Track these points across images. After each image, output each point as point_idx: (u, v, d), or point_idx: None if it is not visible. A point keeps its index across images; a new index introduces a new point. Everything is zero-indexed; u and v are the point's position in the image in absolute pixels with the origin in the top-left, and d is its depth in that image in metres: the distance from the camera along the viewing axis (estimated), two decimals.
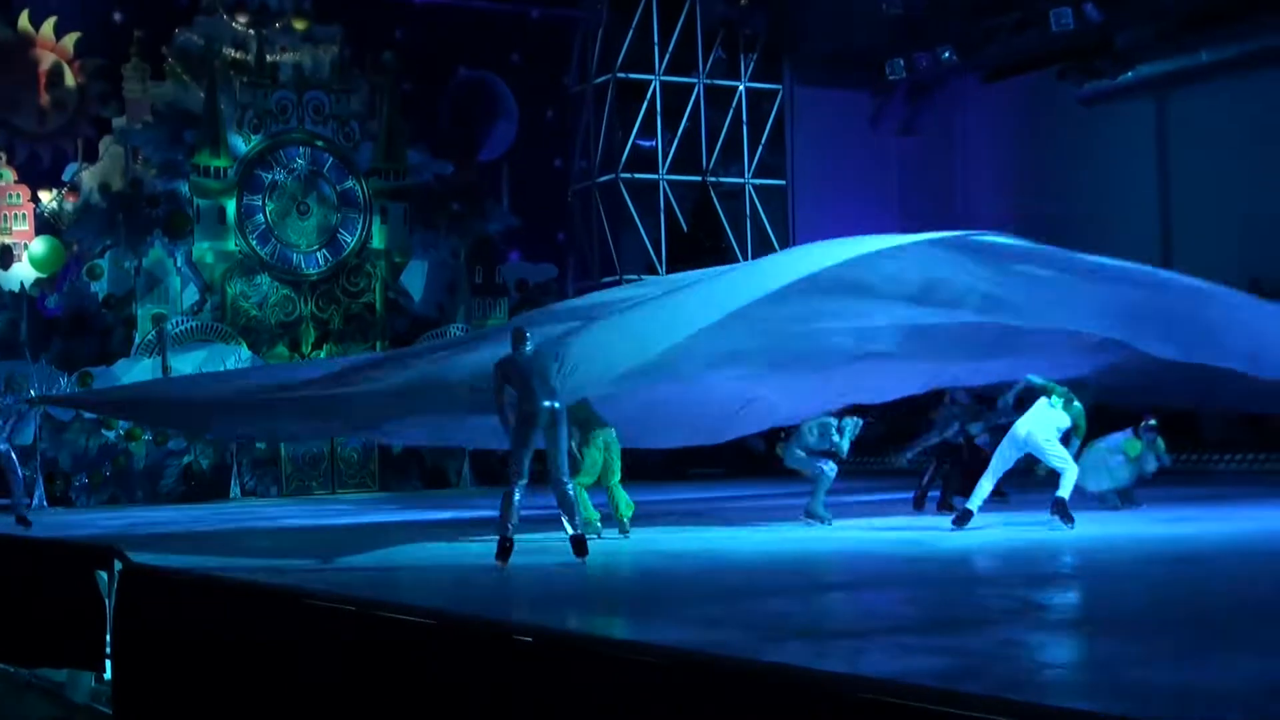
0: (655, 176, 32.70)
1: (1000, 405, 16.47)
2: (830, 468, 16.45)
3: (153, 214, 27.07)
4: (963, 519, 15.07)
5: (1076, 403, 15.03)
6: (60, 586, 12.17)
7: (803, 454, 16.52)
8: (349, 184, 28.82)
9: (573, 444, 14.73)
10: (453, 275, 29.59)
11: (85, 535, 16.66)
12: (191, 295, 27.28)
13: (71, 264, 27.37)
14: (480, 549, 14.29)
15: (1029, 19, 29.53)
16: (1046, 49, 30.33)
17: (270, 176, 28.17)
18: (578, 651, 7.50)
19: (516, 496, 12.41)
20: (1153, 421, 17.12)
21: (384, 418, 16.86)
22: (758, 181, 33.80)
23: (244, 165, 27.89)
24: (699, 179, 32.78)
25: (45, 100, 29.66)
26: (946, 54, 31.03)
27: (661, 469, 26.50)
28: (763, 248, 33.37)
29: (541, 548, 13.52)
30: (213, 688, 9.85)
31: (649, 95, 32.82)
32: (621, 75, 32.69)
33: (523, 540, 12.91)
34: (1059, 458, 15.01)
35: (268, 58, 28.43)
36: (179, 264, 27.22)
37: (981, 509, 15.09)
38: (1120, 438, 17.08)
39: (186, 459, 26.10)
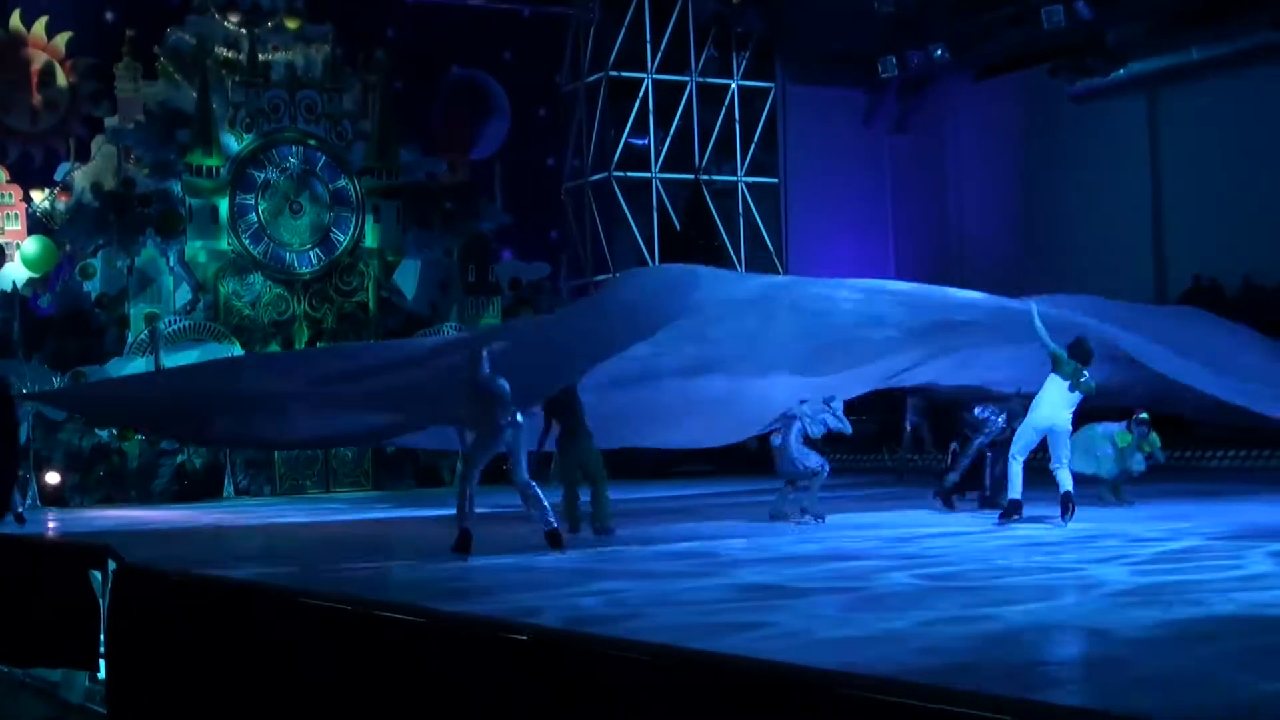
0: (648, 175, 32.70)
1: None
2: (825, 465, 16.49)
3: (145, 213, 27.04)
4: (1011, 512, 15.10)
5: (1086, 374, 15.05)
6: (54, 586, 12.16)
7: (796, 455, 16.45)
8: (341, 183, 28.81)
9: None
10: (446, 274, 29.60)
11: (79, 534, 16.65)
12: (184, 295, 27.27)
13: (64, 263, 27.34)
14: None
15: (1021, 16, 29.53)
16: (1038, 46, 30.34)
17: (263, 175, 28.17)
18: (573, 650, 7.50)
19: (470, 492, 13.55)
20: (1144, 415, 17.10)
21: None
22: (750, 180, 33.81)
23: (236, 164, 27.88)
24: (692, 177, 32.78)
25: (37, 99, 29.60)
26: (939, 52, 31.04)
27: (653, 466, 26.48)
28: (755, 246, 33.41)
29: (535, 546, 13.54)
30: (207, 687, 9.84)
31: (641, 93, 32.82)
32: (614, 73, 32.69)
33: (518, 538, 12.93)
34: (1067, 455, 15.09)
35: (260, 57, 28.42)
36: (171, 263, 27.20)
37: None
38: (1115, 427, 17.08)
39: (180, 458, 26.10)
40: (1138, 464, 17.21)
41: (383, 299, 29.04)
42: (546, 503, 13.67)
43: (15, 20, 29.65)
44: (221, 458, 26.49)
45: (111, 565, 11.30)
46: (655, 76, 32.88)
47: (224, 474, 26.57)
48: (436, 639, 8.32)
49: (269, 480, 27.08)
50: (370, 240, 29.08)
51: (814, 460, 16.39)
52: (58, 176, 28.88)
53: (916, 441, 25.49)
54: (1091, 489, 16.95)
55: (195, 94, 27.58)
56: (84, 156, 28.65)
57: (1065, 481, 14.91)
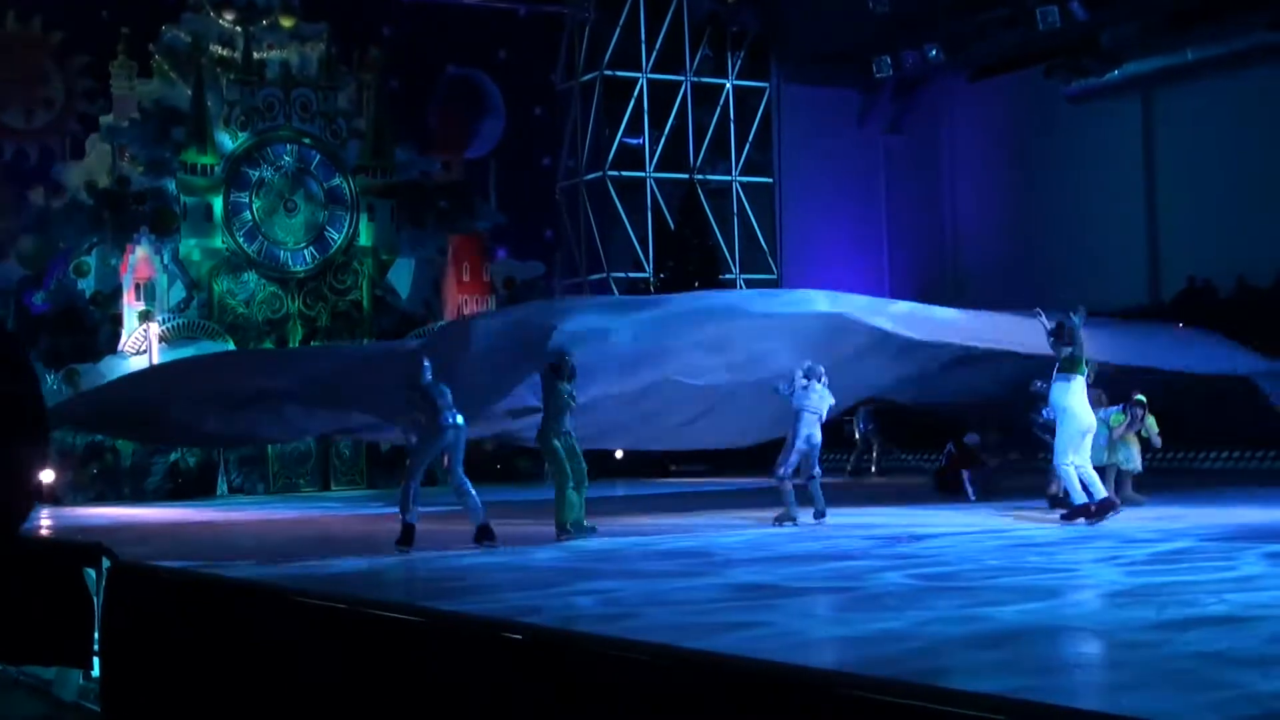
0: (642, 174, 32.71)
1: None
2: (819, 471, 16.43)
3: (139, 211, 27.02)
4: (1104, 509, 15.14)
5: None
6: (48, 584, 12.14)
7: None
8: (336, 181, 28.81)
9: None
10: (440, 273, 29.59)
11: (73, 533, 16.64)
12: (178, 293, 27.25)
13: (59, 261, 27.32)
14: (463, 544, 14.34)
15: (1016, 17, 29.55)
16: (1034, 47, 30.36)
17: (257, 174, 28.17)
18: (569, 649, 7.51)
19: (414, 489, 14.34)
20: (1140, 398, 16.98)
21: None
22: (745, 179, 33.83)
23: (231, 162, 27.87)
24: (686, 177, 32.78)
25: (32, 97, 29.58)
26: (934, 52, 31.04)
27: (650, 465, 26.52)
28: (750, 245, 33.41)
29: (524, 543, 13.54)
30: (201, 686, 9.84)
31: (636, 93, 32.82)
32: (609, 73, 32.70)
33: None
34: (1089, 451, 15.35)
35: (255, 55, 28.41)
36: (166, 261, 27.17)
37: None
38: (1111, 411, 17.05)
39: (173, 456, 26.08)
40: (1131, 461, 17.04)
41: (377, 298, 29.04)
42: (479, 501, 14.48)
43: (10, 18, 29.62)
44: (215, 456, 26.47)
45: (105, 564, 11.30)
46: (650, 76, 32.89)
47: (217, 472, 26.55)
48: (433, 638, 8.32)
49: (262, 478, 27.07)
50: (365, 239, 29.07)
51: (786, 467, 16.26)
52: (52, 174, 28.85)
53: (866, 446, 26.01)
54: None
55: (190, 92, 27.56)
56: (79, 154, 28.63)
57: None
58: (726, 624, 8.69)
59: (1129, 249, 30.75)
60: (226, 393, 17.79)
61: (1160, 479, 18.81)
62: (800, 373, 16.19)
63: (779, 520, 15.96)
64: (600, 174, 32.52)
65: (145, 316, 26.39)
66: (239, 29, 28.58)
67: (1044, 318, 15.52)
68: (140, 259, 26.76)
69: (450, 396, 14.48)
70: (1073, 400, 15.20)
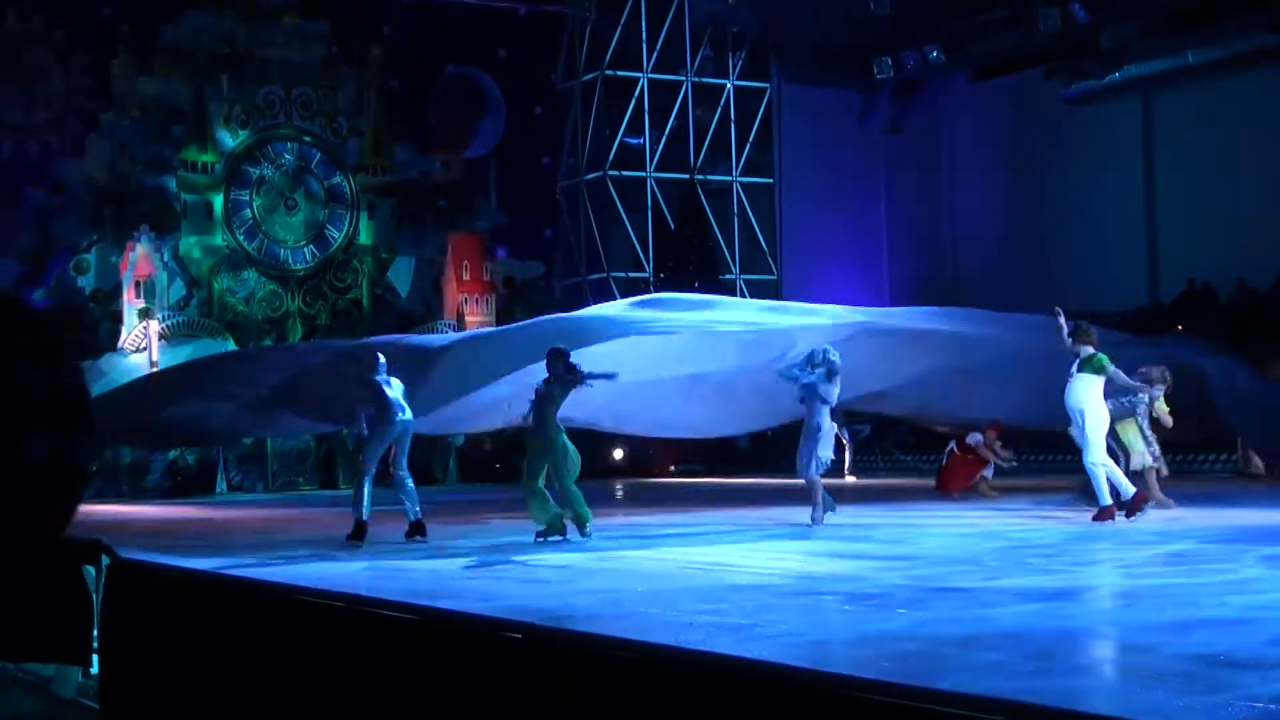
0: (643, 174, 32.69)
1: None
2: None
3: (140, 209, 27.03)
4: (1138, 505, 15.22)
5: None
6: (47, 581, 12.14)
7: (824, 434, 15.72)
8: (336, 180, 28.84)
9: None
10: (440, 272, 29.60)
11: (72, 530, 16.60)
12: (178, 290, 27.26)
13: (59, 258, 27.33)
14: (465, 543, 14.35)
15: (1016, 18, 29.55)
16: (1034, 49, 30.36)
17: (258, 172, 28.20)
18: (567, 649, 7.51)
19: (367, 485, 14.80)
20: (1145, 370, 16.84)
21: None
22: (745, 179, 33.81)
23: (231, 160, 27.90)
24: (686, 177, 32.77)
25: (32, 94, 29.58)
26: (934, 53, 31.05)
27: (650, 465, 26.55)
28: (750, 246, 33.39)
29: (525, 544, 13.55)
30: (200, 683, 9.84)
31: (637, 92, 32.81)
32: (609, 72, 32.69)
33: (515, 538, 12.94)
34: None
35: (255, 53, 28.41)
36: (166, 259, 27.19)
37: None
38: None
39: (173, 454, 26.08)
40: (1142, 458, 16.66)
41: (376, 296, 29.06)
42: (416, 495, 15.04)
43: (11, 15, 29.62)
44: (214, 454, 26.48)
45: (105, 561, 11.29)
46: (651, 76, 32.87)
47: (216, 470, 26.55)
48: (430, 638, 8.32)
49: (261, 477, 27.07)
50: (365, 237, 29.09)
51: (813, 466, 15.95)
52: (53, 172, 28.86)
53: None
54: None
55: (191, 90, 27.56)
56: (79, 152, 28.63)
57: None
58: (725, 624, 8.69)
59: (1129, 251, 30.75)
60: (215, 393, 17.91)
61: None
62: (808, 358, 15.74)
63: (815, 520, 15.77)
64: (600, 174, 32.51)
65: (145, 314, 26.40)
66: (240, 27, 28.58)
67: (1062, 318, 15.51)
68: (140, 256, 26.77)
69: (402, 391, 14.93)
70: (1094, 400, 15.23)
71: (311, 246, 28.58)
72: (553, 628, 8.41)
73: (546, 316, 19.83)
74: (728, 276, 32.45)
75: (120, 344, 26.30)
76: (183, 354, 25.62)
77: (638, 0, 32.90)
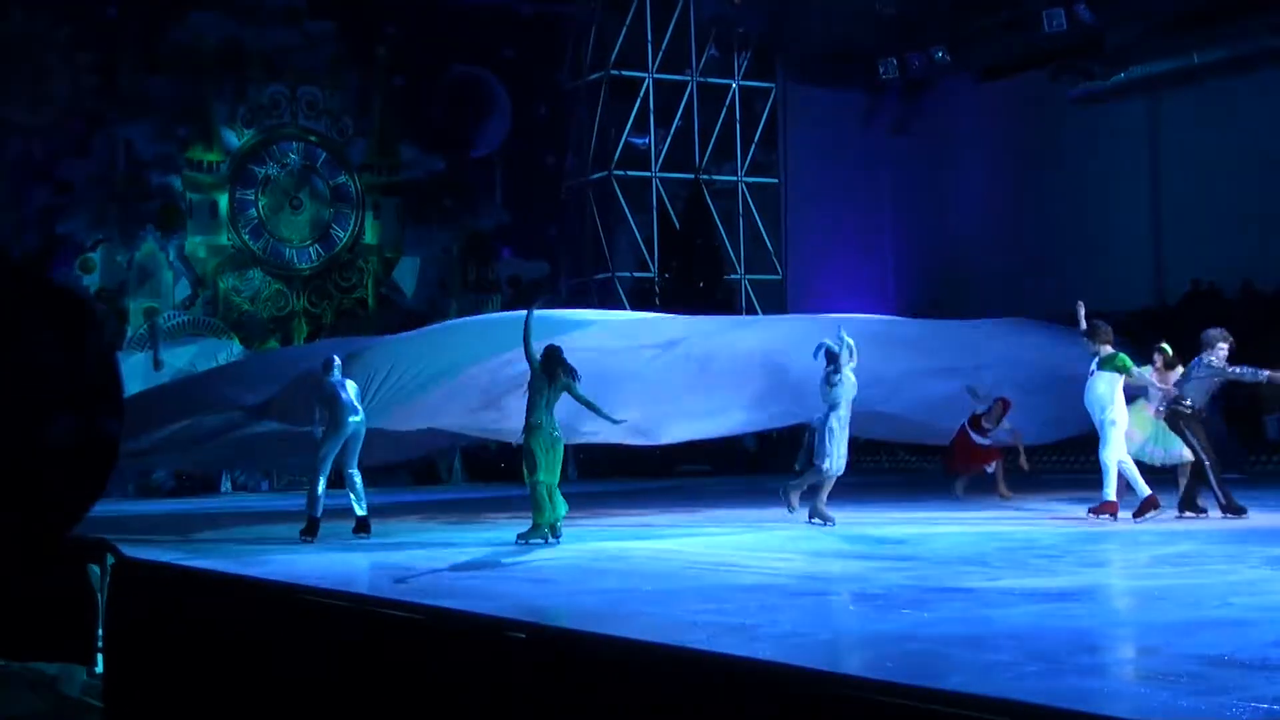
0: (648, 174, 32.68)
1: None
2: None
3: (145, 208, 27.07)
4: (1149, 507, 15.21)
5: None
6: (52, 580, 12.15)
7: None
8: (342, 179, 28.88)
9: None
10: (445, 271, 29.64)
11: (77, 529, 16.61)
12: (184, 289, 27.30)
13: (64, 257, 27.35)
14: (470, 542, 14.36)
15: (1021, 19, 29.53)
16: (1039, 49, 30.33)
17: (263, 171, 28.24)
18: (571, 649, 7.51)
19: (321, 488, 15.35)
20: (1164, 347, 16.50)
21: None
22: (750, 180, 33.80)
23: (237, 160, 27.92)
24: (692, 177, 32.76)
25: (38, 93, 29.58)
26: (939, 54, 31.02)
27: (654, 465, 26.52)
28: (755, 246, 33.39)
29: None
30: (205, 682, 9.85)
31: (642, 92, 32.79)
32: (615, 72, 32.67)
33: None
34: None
35: (261, 53, 28.44)
36: (171, 258, 27.23)
37: None
38: None
39: None
40: (1154, 452, 16.29)
41: (382, 296, 29.09)
42: (364, 494, 15.67)
43: (17, 14, 29.63)
44: None
45: (110, 560, 11.31)
46: (656, 76, 32.85)
47: (221, 470, 26.56)
48: (435, 637, 8.33)
49: (266, 476, 27.09)
50: (370, 237, 29.13)
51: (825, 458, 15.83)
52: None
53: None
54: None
55: (196, 89, 27.59)
56: (84, 151, 28.66)
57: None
58: (729, 624, 8.69)
59: (1134, 252, 30.72)
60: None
61: (1162, 482, 18.69)
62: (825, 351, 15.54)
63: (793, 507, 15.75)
64: (605, 174, 32.50)
65: (150, 313, 26.43)
66: (245, 26, 28.61)
67: (1082, 312, 15.54)
68: (145, 255, 26.82)
69: (355, 393, 15.48)
70: (1115, 397, 15.27)
71: (317, 246, 28.63)
72: (557, 627, 8.42)
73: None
74: (732, 277, 32.45)
75: (125, 343, 26.31)
76: (188, 354, 25.71)
77: (643, 0, 32.87)
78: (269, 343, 27.71)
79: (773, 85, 34.32)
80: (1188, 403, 15.23)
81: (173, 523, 18.13)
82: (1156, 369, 16.16)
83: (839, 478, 15.86)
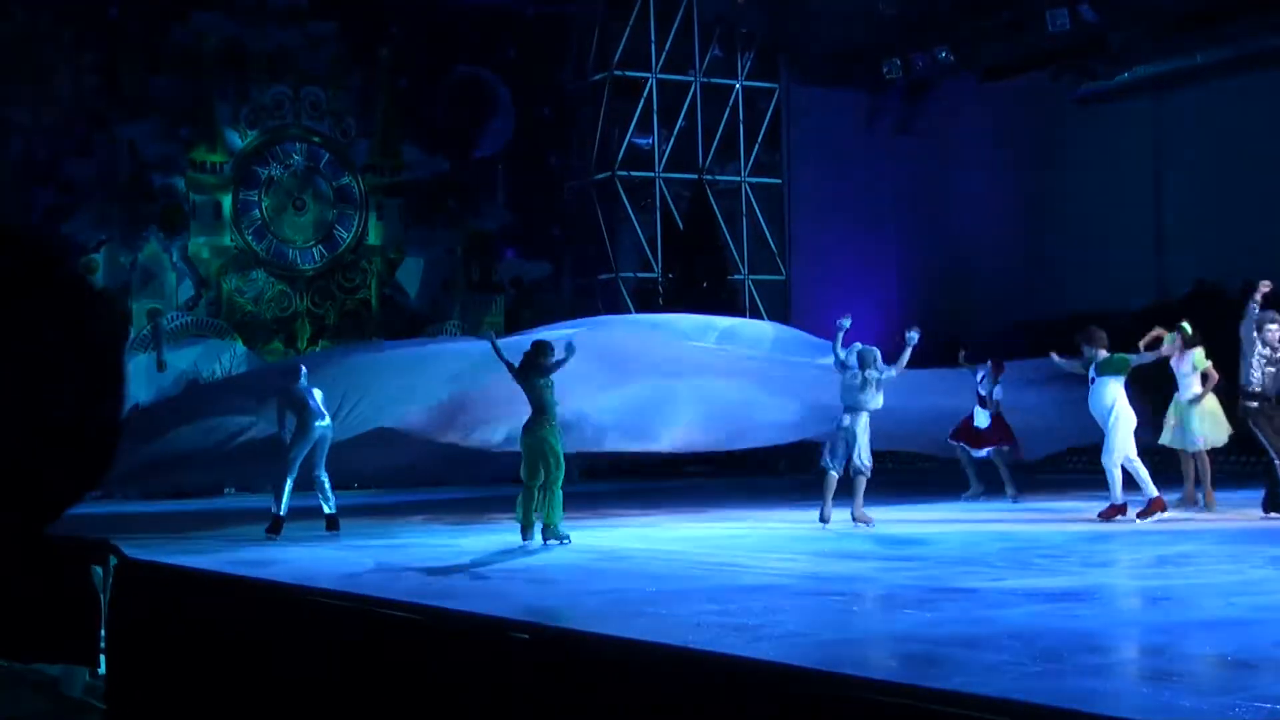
0: (651, 174, 32.67)
1: None
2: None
3: (148, 208, 27.09)
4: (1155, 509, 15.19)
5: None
6: (55, 580, 12.14)
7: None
8: (345, 180, 28.87)
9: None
10: (449, 272, 29.65)
11: (80, 529, 16.63)
12: (187, 290, 27.31)
13: (67, 258, 27.35)
14: (469, 542, 14.37)
15: (1024, 19, 29.50)
16: (1042, 49, 30.30)
17: (266, 172, 28.24)
18: (573, 649, 7.51)
19: (288, 489, 15.98)
20: (1185, 326, 16.57)
21: None
22: (754, 180, 33.79)
23: (240, 161, 27.93)
24: (695, 177, 32.74)
25: (40, 94, 29.59)
26: (943, 54, 30.99)
27: (658, 465, 26.48)
28: (758, 246, 33.38)
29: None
30: (207, 683, 9.85)
31: (646, 93, 32.79)
32: (618, 73, 32.66)
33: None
34: None
35: (264, 53, 28.44)
36: (174, 259, 27.24)
37: None
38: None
39: None
40: (1192, 439, 16.14)
41: (385, 297, 29.09)
42: (331, 494, 16.20)
43: (20, 14, 29.65)
44: None
45: (113, 561, 11.31)
46: (660, 76, 32.84)
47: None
48: (437, 637, 8.32)
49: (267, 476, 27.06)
50: (373, 238, 29.13)
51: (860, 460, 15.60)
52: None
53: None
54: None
55: (199, 89, 27.61)
56: (87, 152, 28.67)
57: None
58: (732, 625, 8.70)
59: (1137, 251, 30.69)
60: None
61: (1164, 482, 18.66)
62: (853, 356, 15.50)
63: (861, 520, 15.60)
64: (609, 174, 32.49)
65: (153, 314, 26.44)
66: (248, 27, 28.61)
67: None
68: (149, 256, 26.85)
69: (322, 399, 16.24)
70: (1120, 401, 15.27)
71: (320, 247, 28.62)
72: (560, 628, 8.42)
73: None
74: (736, 277, 32.44)
75: (127, 345, 26.30)
76: (191, 355, 25.73)
77: (646, 0, 32.86)
78: (272, 344, 27.69)
79: (776, 85, 34.31)
80: (1256, 390, 14.88)
81: (176, 523, 18.13)
82: (1176, 346, 16.12)
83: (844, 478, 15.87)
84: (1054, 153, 32.41)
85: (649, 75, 32.55)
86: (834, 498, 15.62)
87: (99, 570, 11.40)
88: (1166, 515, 15.17)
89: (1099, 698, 6.39)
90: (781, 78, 34.20)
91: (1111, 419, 15.22)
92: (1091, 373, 15.43)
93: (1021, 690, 6.36)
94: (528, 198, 32.25)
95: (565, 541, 14.26)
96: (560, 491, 14.51)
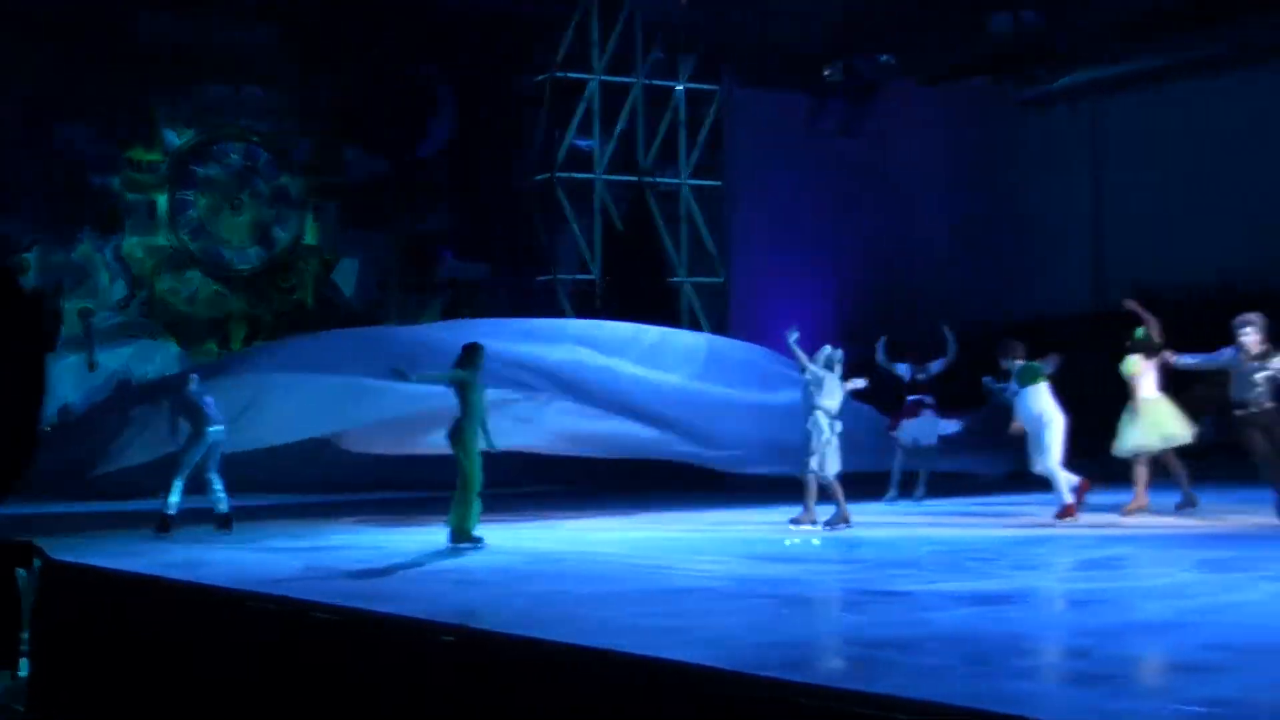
0: (591, 176, 32.59)
1: None
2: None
3: (82, 208, 26.86)
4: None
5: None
6: None
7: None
8: (283, 180, 28.70)
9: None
10: (386, 273, 29.54)
11: (2, 531, 16.43)
12: (120, 290, 27.08)
13: None
14: (400, 544, 14.27)
15: (968, 23, 29.58)
16: (985, 53, 30.41)
17: (204, 171, 28.03)
18: (501, 652, 7.44)
19: (177, 488, 16.39)
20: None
21: None
22: (694, 183, 33.73)
23: (176, 159, 27.72)
24: (635, 180, 32.68)
25: None
26: (885, 57, 31.05)
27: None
28: (698, 249, 33.32)
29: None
30: (129, 684, 9.73)
31: (587, 95, 32.70)
32: (560, 74, 32.56)
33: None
34: None
35: (203, 52, 28.22)
36: (108, 258, 27.01)
37: None
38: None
39: None
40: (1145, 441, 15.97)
41: (322, 297, 28.92)
42: (224, 496, 16.48)
43: None
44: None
45: (37, 564, 11.16)
46: (602, 78, 32.77)
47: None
48: (364, 639, 8.25)
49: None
50: (310, 238, 28.98)
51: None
52: None
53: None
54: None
55: (138, 87, 27.41)
56: (22, 150, 28.36)
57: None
58: (662, 627, 8.64)
59: (1075, 255, 30.83)
60: None
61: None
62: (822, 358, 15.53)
63: (832, 523, 15.41)
64: (549, 175, 32.39)
65: (85, 314, 26.22)
66: (188, 25, 28.39)
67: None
68: (82, 256, 26.62)
69: (215, 408, 16.65)
70: (1045, 405, 15.42)
71: (257, 247, 28.44)
72: (484, 630, 8.33)
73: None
74: (675, 280, 32.38)
75: (59, 345, 26.06)
76: (123, 355, 25.52)
77: (589, 2, 32.76)
78: (206, 344, 27.49)
79: (718, 88, 34.29)
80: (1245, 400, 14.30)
81: (101, 524, 17.95)
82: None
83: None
84: (996, 156, 32.54)
85: (591, 77, 32.46)
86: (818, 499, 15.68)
87: (23, 573, 11.25)
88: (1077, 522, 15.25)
89: (1029, 701, 6.36)
90: (723, 80, 34.19)
91: (1043, 424, 15.36)
92: (1013, 385, 15.63)
93: (950, 693, 6.32)
94: (467, 199, 32.13)
95: (480, 545, 14.10)
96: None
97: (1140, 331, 16.09)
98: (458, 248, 31.74)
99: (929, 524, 15.84)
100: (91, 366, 25.15)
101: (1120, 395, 16.10)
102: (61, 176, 27.15)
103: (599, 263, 31.49)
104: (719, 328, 30.05)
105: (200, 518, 16.60)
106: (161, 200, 27.54)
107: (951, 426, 19.25)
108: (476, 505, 14.34)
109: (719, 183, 33.84)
